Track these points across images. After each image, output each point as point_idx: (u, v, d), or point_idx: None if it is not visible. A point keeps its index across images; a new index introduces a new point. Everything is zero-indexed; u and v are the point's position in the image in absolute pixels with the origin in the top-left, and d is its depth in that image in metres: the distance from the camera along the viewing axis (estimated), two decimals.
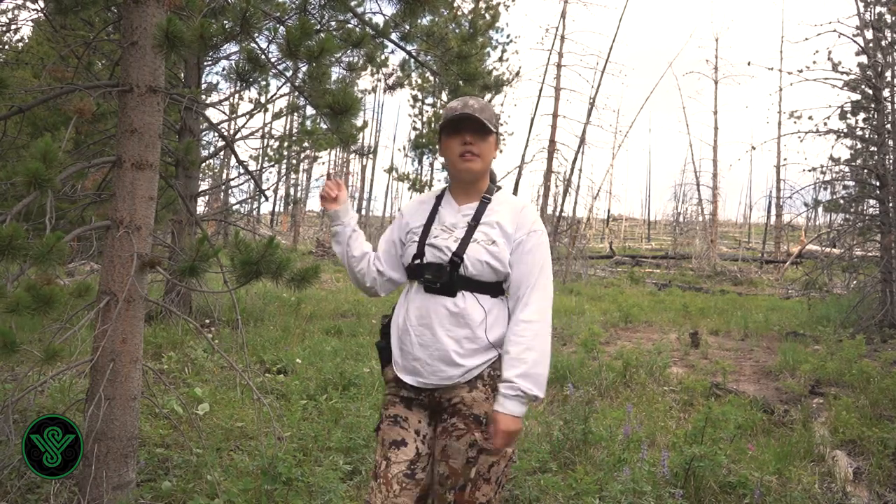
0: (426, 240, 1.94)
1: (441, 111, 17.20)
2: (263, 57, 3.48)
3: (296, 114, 12.06)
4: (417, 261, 1.92)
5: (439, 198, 2.03)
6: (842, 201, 10.64)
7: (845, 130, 10.62)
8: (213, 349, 4.95)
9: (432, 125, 17.04)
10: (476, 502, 1.85)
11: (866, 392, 5.30)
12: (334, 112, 3.32)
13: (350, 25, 4.46)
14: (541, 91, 20.24)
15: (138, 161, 2.92)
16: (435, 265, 1.88)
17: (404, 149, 19.81)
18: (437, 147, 2.08)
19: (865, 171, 10.22)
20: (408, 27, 4.21)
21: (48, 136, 2.91)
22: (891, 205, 9.36)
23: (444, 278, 1.87)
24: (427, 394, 1.92)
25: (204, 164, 11.78)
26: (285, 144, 11.59)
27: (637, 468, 3.23)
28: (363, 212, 34.41)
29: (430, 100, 17.47)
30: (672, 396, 5.41)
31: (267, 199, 15.25)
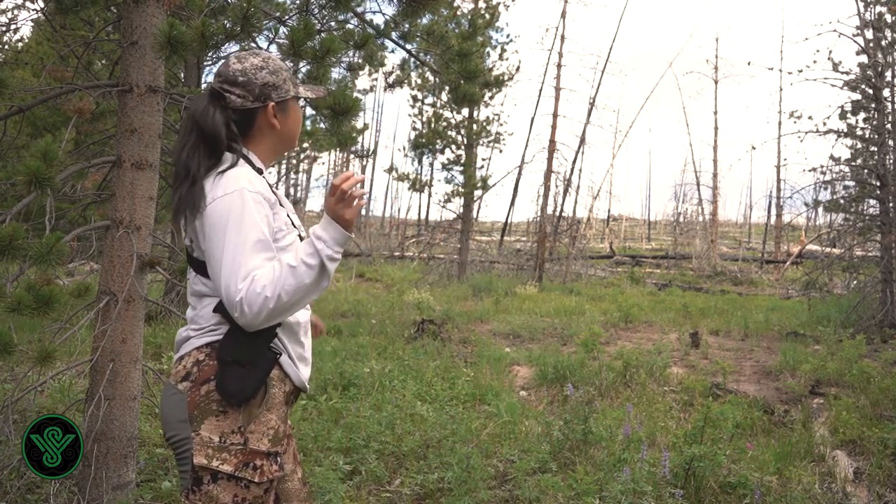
0: (300, 233, 1.66)
1: (439, 109, 17.03)
2: None
3: None
4: None
5: (259, 173, 1.61)
6: (842, 201, 10.63)
7: (845, 130, 10.62)
8: None
9: (432, 125, 17.02)
10: None
11: (866, 392, 5.30)
12: (335, 113, 3.32)
13: (350, 26, 4.45)
14: (541, 91, 20.26)
15: (138, 161, 2.92)
16: None
17: (404, 149, 19.82)
18: (265, 109, 1.62)
19: (865, 170, 10.22)
20: (407, 26, 4.21)
21: (48, 136, 2.91)
22: (891, 205, 9.35)
23: None
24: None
25: None
26: None
27: (637, 468, 3.23)
28: (363, 212, 34.38)
29: (429, 99, 17.45)
30: (672, 396, 5.41)
31: None
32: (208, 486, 1.47)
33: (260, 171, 1.60)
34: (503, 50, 17.13)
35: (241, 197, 1.47)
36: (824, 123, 10.54)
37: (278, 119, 1.63)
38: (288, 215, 1.61)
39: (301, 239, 1.63)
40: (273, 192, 1.59)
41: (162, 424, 1.58)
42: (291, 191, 31.86)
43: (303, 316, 1.64)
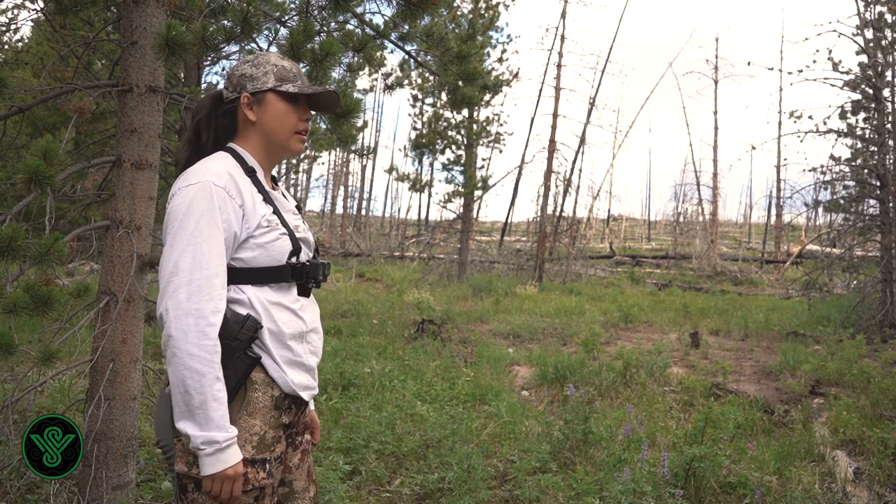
0: (293, 233, 1.56)
1: (439, 109, 17.04)
2: None
3: None
4: (295, 258, 1.55)
5: (251, 173, 1.55)
6: (842, 201, 10.63)
7: (845, 130, 10.62)
8: None
9: (432, 125, 17.03)
10: None
11: (867, 392, 5.30)
12: (336, 115, 3.32)
13: (350, 26, 4.45)
14: (541, 91, 20.26)
15: (138, 161, 2.92)
16: (324, 264, 1.62)
17: (404, 149, 19.83)
18: (251, 105, 1.58)
19: (865, 170, 10.22)
20: (407, 27, 4.21)
21: (48, 135, 2.91)
22: (891, 205, 9.36)
23: (322, 277, 1.63)
24: (301, 410, 1.63)
25: None
26: None
27: (637, 468, 3.23)
28: (363, 212, 34.42)
29: (429, 100, 17.46)
30: (672, 396, 5.41)
31: None
32: (193, 495, 1.41)
33: (252, 171, 1.54)
34: (503, 50, 17.14)
35: (203, 189, 1.41)
36: (824, 123, 10.56)
37: (254, 111, 1.57)
38: (276, 212, 1.54)
39: (291, 238, 1.53)
40: (262, 189, 1.54)
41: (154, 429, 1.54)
42: (291, 191, 31.86)
43: (278, 329, 1.50)
